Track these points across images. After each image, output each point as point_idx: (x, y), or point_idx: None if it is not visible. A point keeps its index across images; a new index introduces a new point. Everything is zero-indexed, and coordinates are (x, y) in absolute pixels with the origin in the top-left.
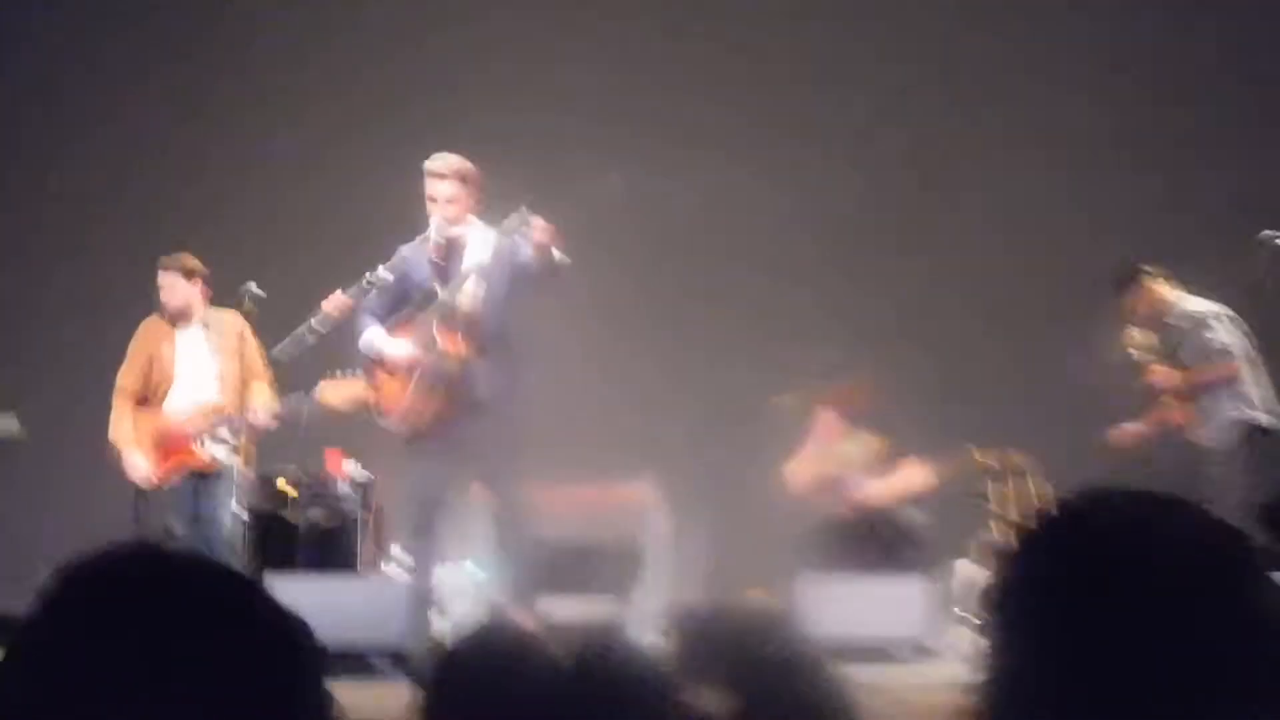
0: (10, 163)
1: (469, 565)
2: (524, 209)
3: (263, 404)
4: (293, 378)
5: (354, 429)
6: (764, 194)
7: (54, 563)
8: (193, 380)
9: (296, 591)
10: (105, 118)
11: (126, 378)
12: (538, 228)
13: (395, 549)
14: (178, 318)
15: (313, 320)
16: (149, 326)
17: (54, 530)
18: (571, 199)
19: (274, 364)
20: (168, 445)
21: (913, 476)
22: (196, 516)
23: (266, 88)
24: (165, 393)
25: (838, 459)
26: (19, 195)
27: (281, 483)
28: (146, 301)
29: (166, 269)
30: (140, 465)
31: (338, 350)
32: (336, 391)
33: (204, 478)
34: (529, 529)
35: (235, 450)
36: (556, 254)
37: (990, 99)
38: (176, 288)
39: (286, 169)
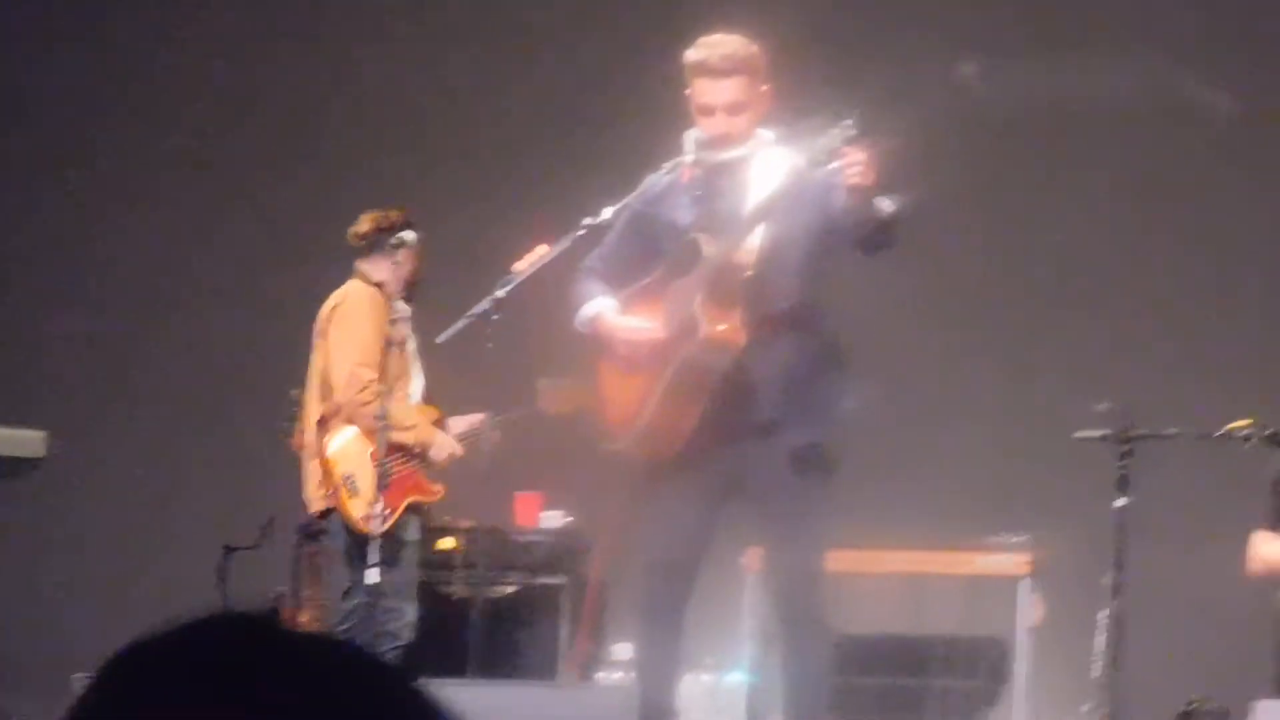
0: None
1: (734, 675)
2: (848, 123)
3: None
4: (452, 379)
5: (559, 461)
6: (1214, 97)
7: (106, 641)
8: (419, 383)
9: (466, 709)
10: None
11: (376, 367)
12: (850, 164)
13: (618, 647)
14: (411, 292)
15: (497, 288)
16: (379, 302)
17: (105, 591)
18: (904, 105)
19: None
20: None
21: None
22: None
23: None
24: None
25: None
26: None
27: (447, 541)
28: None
29: (412, 226)
30: (449, 443)
31: (539, 336)
32: (567, 399)
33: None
34: (829, 620)
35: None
36: (886, 203)
37: None
38: (416, 249)
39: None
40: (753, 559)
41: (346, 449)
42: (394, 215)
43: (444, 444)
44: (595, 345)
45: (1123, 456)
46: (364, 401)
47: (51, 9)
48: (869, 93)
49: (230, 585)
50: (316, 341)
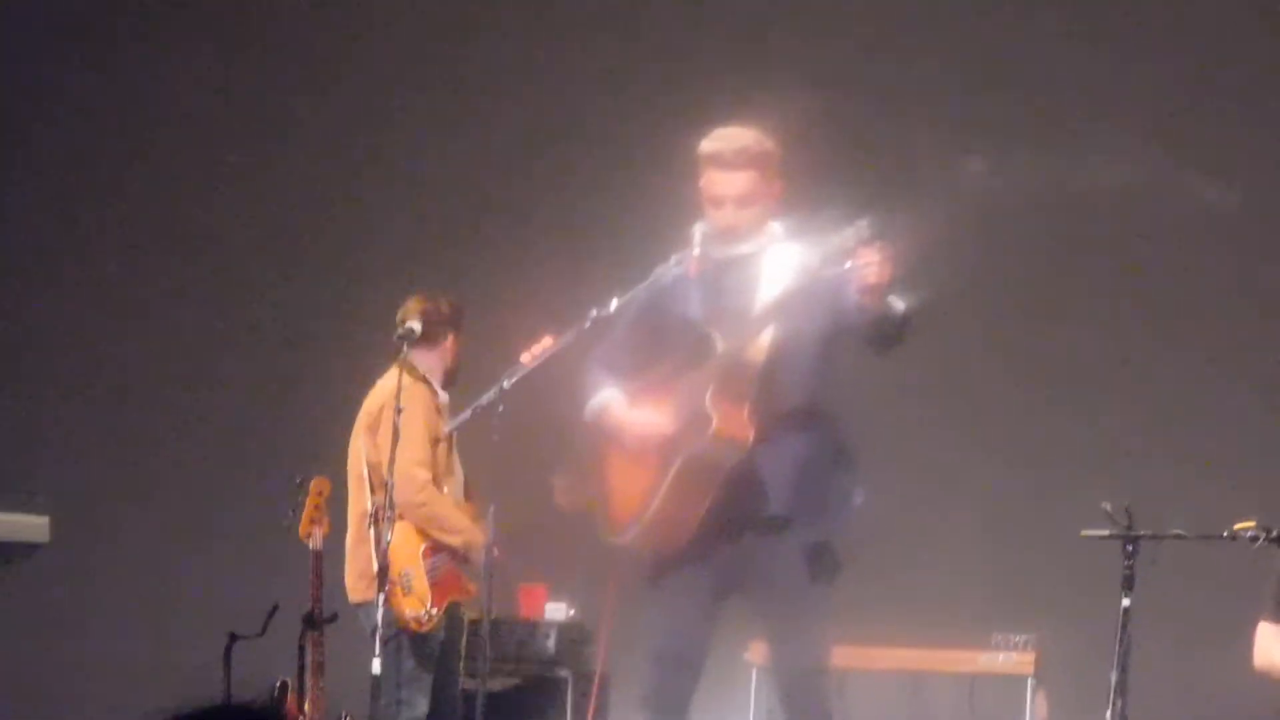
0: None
1: None
2: (863, 223)
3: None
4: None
5: (563, 553)
6: (1221, 191)
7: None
8: (460, 476)
9: None
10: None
11: (429, 469)
12: (866, 264)
13: None
14: (450, 379)
15: (504, 379)
16: (429, 399)
17: (109, 679)
18: (915, 200)
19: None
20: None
21: None
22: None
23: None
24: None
25: None
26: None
27: None
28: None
29: (462, 315)
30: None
31: (545, 428)
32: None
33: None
34: (834, 715)
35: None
36: (897, 301)
37: None
38: (459, 339)
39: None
40: (758, 652)
41: (400, 546)
42: (444, 306)
43: (476, 544)
44: (601, 437)
45: (1128, 556)
46: (420, 502)
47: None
48: (876, 187)
49: (234, 673)
50: (362, 434)
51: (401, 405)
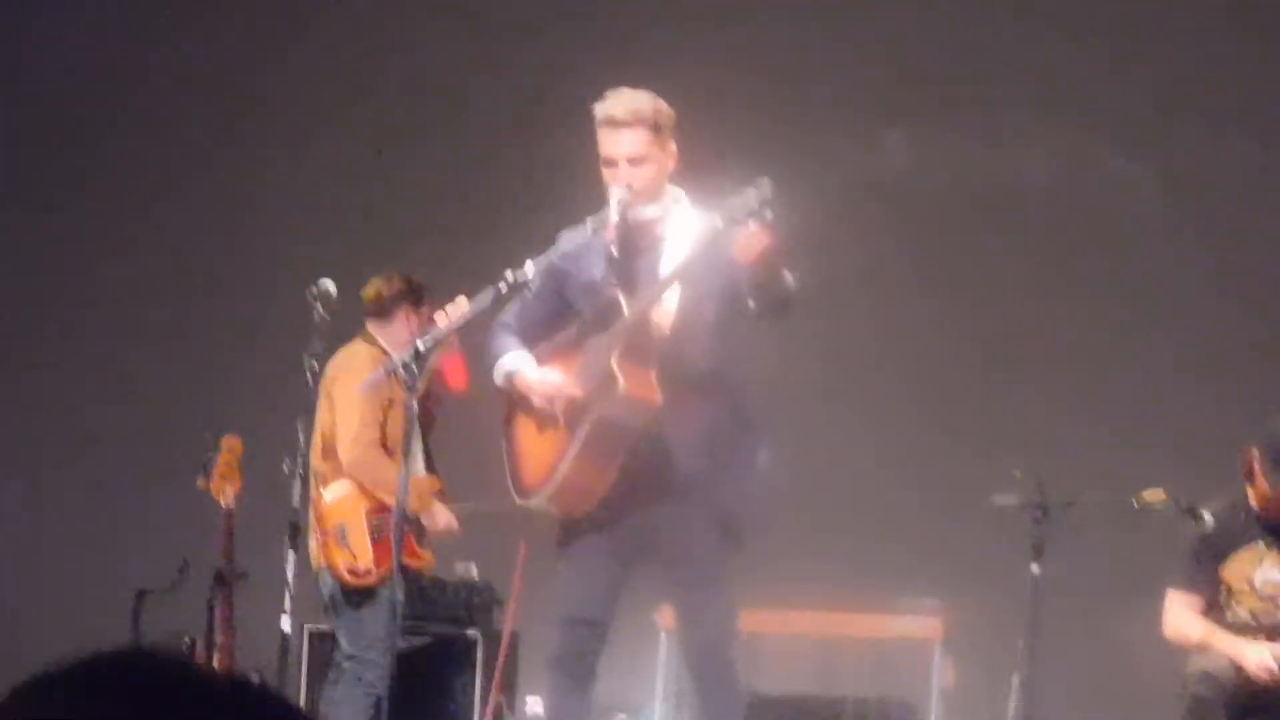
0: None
1: None
2: (764, 182)
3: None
4: None
5: (473, 515)
6: (1133, 168)
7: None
8: (419, 450)
9: None
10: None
11: (375, 429)
12: (746, 237)
13: (532, 701)
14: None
15: (419, 340)
16: (374, 362)
17: (13, 634)
18: (828, 170)
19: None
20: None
21: None
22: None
23: None
24: None
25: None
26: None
27: None
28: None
29: (416, 288)
30: (445, 514)
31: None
32: None
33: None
34: (742, 680)
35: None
36: (787, 276)
37: None
38: (421, 309)
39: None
40: (667, 616)
41: (341, 502)
42: (396, 281)
43: (440, 513)
44: (509, 400)
45: (1037, 523)
46: (363, 462)
47: None
48: (789, 159)
49: (143, 630)
50: (320, 401)
51: (343, 373)
